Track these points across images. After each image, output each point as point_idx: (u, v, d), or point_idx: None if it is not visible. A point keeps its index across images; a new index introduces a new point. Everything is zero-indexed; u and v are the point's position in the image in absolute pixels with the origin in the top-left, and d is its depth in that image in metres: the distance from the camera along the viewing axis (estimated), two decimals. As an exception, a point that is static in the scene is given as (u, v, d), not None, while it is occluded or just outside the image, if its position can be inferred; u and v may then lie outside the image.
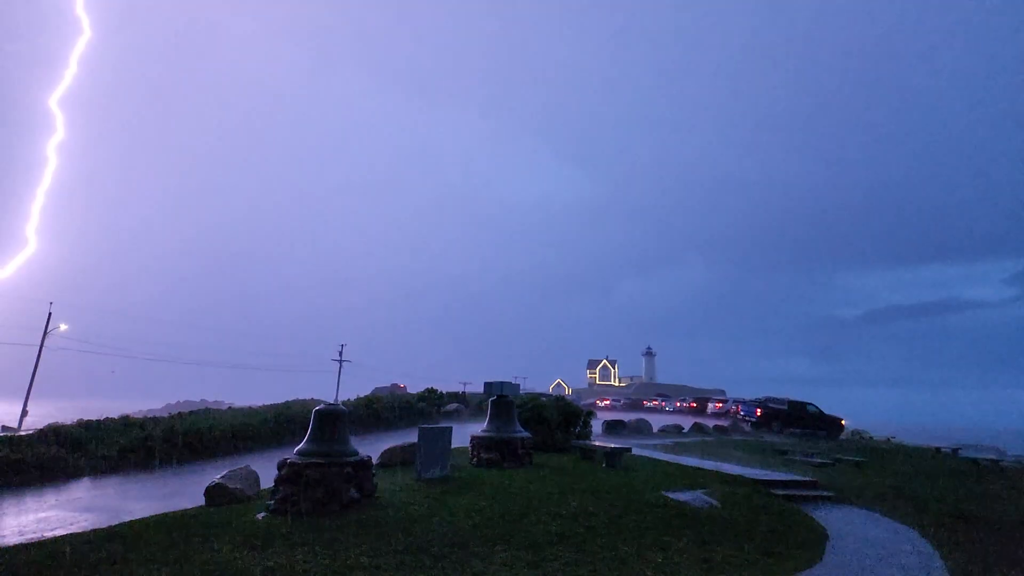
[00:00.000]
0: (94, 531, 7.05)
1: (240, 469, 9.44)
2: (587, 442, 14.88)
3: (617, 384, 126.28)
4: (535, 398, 16.91)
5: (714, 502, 9.07)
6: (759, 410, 28.24)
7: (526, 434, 12.23)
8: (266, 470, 9.55)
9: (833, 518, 9.01)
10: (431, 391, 32.01)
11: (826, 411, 27.79)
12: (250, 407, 22.67)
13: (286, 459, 7.85)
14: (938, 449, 22.85)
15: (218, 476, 8.92)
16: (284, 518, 7.12)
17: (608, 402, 56.33)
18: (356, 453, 8.16)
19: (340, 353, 61.46)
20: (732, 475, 11.58)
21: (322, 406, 8.41)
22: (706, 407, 41.01)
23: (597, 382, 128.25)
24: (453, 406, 29.33)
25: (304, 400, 24.87)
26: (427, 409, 27.15)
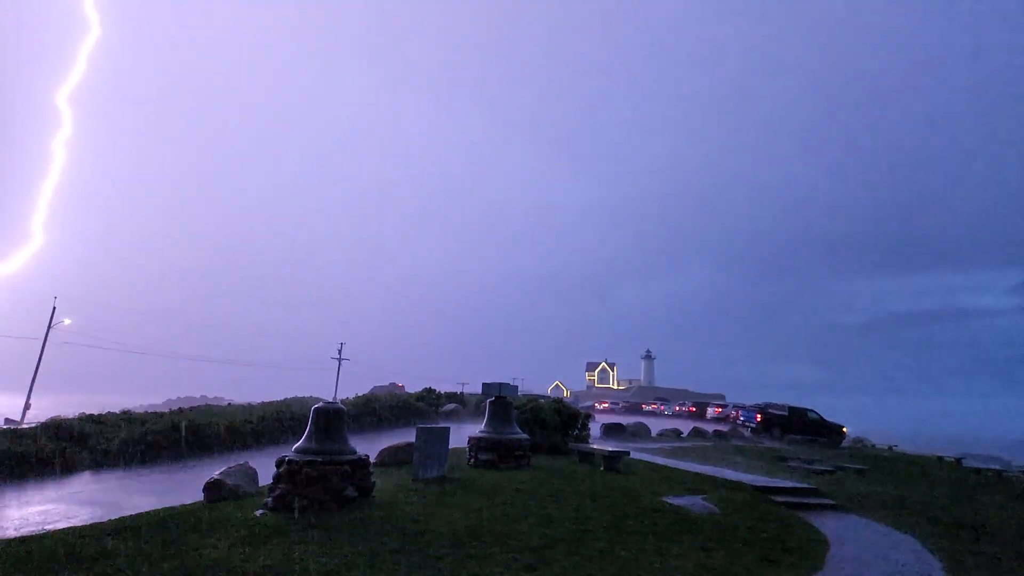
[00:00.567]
0: (94, 525, 7.06)
1: (239, 466, 9.45)
2: (585, 445, 14.87)
3: (616, 387, 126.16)
4: (533, 400, 16.92)
5: (713, 508, 9.04)
6: (759, 416, 28.19)
7: (524, 436, 12.22)
8: (265, 467, 9.55)
9: (834, 526, 8.97)
10: (429, 391, 32.02)
11: (827, 418, 27.73)
12: (249, 404, 22.70)
13: (284, 456, 7.86)
14: (941, 458, 22.78)
15: (217, 472, 8.92)
16: (282, 515, 7.12)
17: (607, 405, 56.30)
18: (354, 452, 8.16)
19: (339, 351, 61.57)
20: (732, 481, 11.55)
21: (321, 404, 8.41)
22: (705, 412, 40.94)
23: (596, 385, 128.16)
24: (451, 406, 29.32)
25: (303, 398, 24.88)
26: (425, 409, 27.15)
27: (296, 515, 7.10)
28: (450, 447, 10.96)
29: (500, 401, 12.43)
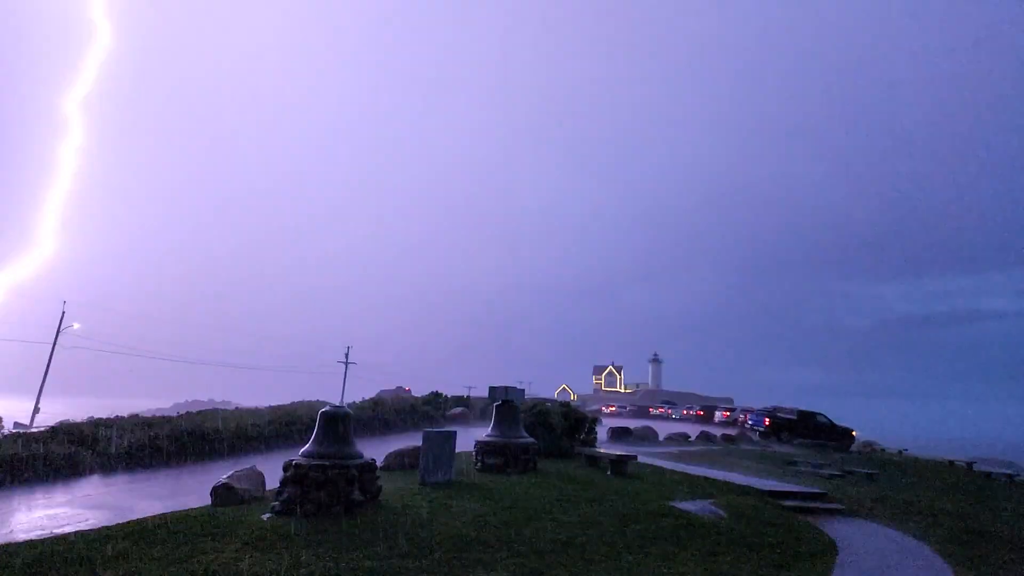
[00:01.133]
0: (103, 529, 7.09)
1: (246, 470, 9.47)
2: (592, 449, 14.82)
3: (623, 391, 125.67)
4: (540, 403, 16.86)
5: (721, 512, 8.98)
6: (767, 419, 28.00)
7: (531, 440, 12.18)
8: (272, 471, 9.58)
9: (843, 531, 8.90)
10: (436, 395, 32.00)
11: (836, 422, 27.51)
12: (256, 408, 22.74)
13: (291, 460, 7.87)
14: (951, 463, 22.59)
15: (224, 476, 8.94)
16: (289, 519, 7.12)
17: (614, 409, 56.03)
18: (361, 456, 8.16)
19: (346, 355, 61.64)
20: (740, 485, 11.48)
21: (328, 408, 8.42)
22: (713, 415, 40.73)
23: (603, 388, 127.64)
24: (458, 410, 29.26)
25: (310, 402, 24.91)
26: (432, 413, 27.12)
27: (303, 519, 7.10)
28: (457, 451, 10.95)
29: (507, 405, 12.41)
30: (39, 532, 7.38)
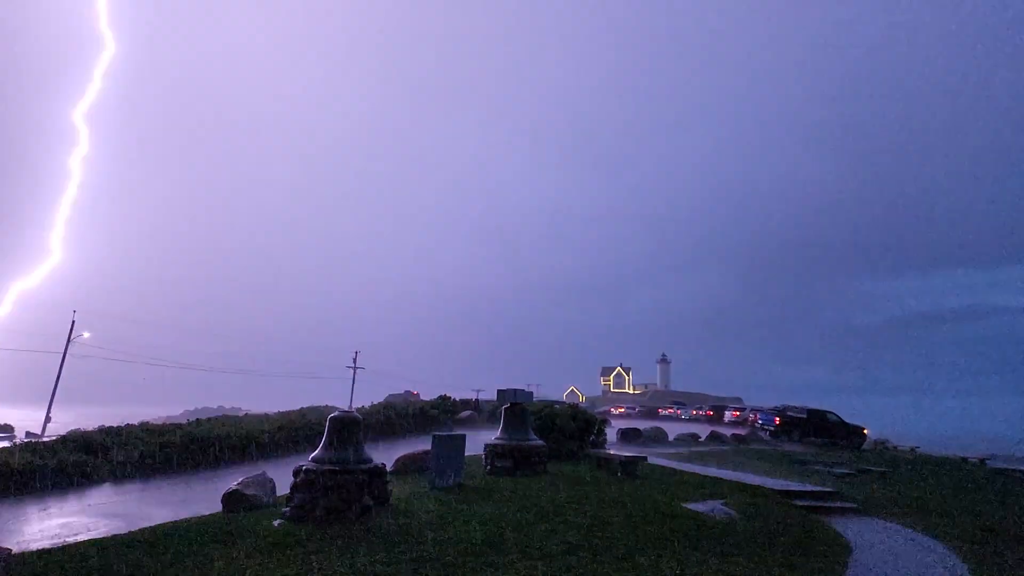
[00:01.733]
0: (115, 536, 7.13)
1: (256, 476, 9.51)
2: (602, 451, 14.78)
3: (631, 392, 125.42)
4: (549, 406, 16.84)
5: (733, 513, 8.93)
6: (778, 419, 27.85)
7: (540, 442, 12.16)
8: (282, 477, 9.61)
9: (856, 530, 8.82)
10: (444, 398, 32.05)
11: (847, 420, 27.32)
12: (266, 414, 22.88)
13: (301, 466, 7.88)
14: (965, 460, 22.39)
15: (235, 483, 8.98)
16: (300, 525, 7.14)
17: (623, 410, 55.91)
18: (370, 460, 8.17)
19: (354, 360, 61.77)
20: (751, 485, 11.41)
21: (337, 413, 8.43)
22: (723, 415, 40.57)
23: (611, 390, 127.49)
24: (466, 414, 29.32)
25: (319, 407, 25.06)
26: (440, 416, 27.16)
27: (314, 525, 7.11)
28: (466, 454, 10.94)
29: (515, 408, 12.39)
30: (52, 541, 7.43)
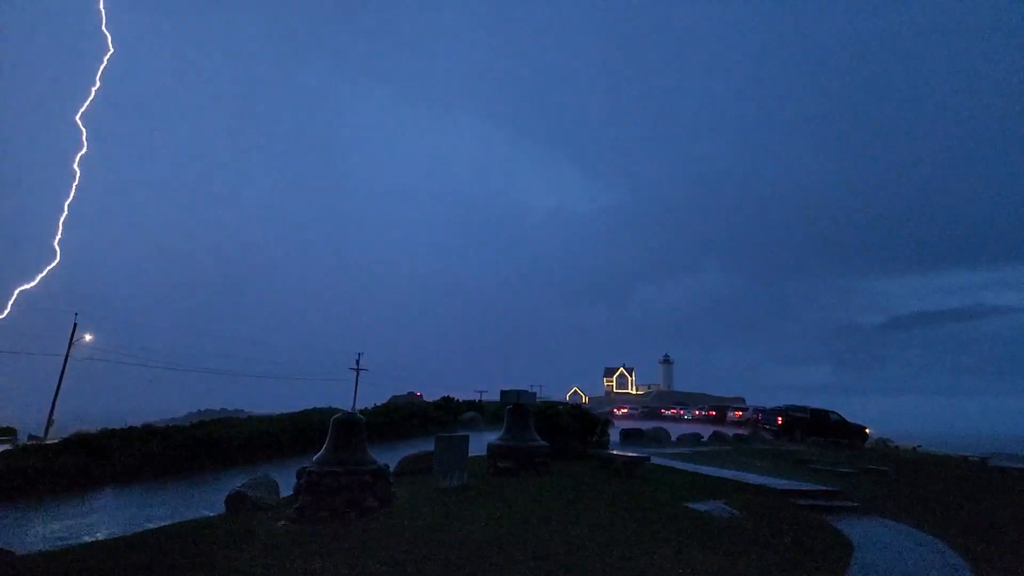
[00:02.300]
0: (118, 539, 7.16)
1: (260, 478, 9.54)
2: (605, 451, 14.78)
3: (634, 392, 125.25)
4: (552, 407, 16.84)
5: (735, 512, 8.93)
6: (780, 418, 27.82)
7: (543, 443, 12.17)
8: (285, 478, 9.63)
9: (858, 529, 8.82)
10: (447, 400, 32.09)
11: (849, 419, 27.27)
12: (269, 416, 22.87)
13: (305, 468, 7.90)
14: (966, 458, 22.32)
15: (238, 484, 9.01)
16: (304, 526, 7.16)
17: (625, 411, 55.84)
18: (374, 462, 8.19)
19: (357, 362, 61.78)
20: (753, 485, 11.41)
21: (340, 415, 8.46)
22: (725, 416, 40.52)
23: (614, 390, 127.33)
24: (470, 415, 29.33)
25: (322, 409, 25.02)
26: (444, 418, 27.19)
27: (318, 526, 7.13)
28: (470, 455, 10.97)
29: (519, 408, 12.40)
30: (55, 543, 7.45)
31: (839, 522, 9.21)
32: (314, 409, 24.51)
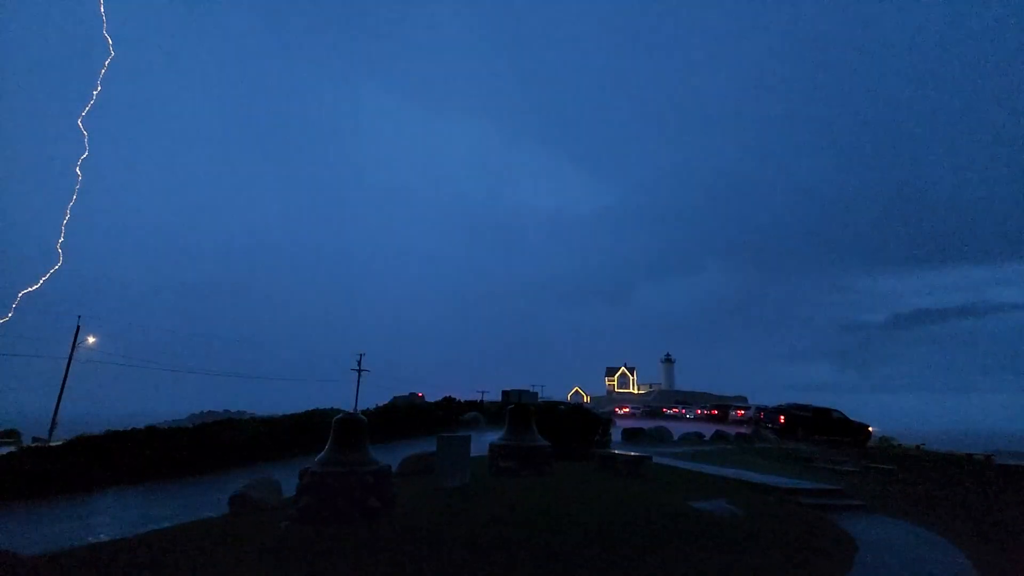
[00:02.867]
0: (121, 540, 7.17)
1: (262, 478, 9.55)
2: (607, 450, 14.76)
3: (636, 392, 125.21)
4: (553, 406, 16.85)
5: (738, 511, 8.92)
6: (782, 417, 27.79)
7: (545, 443, 12.17)
8: (288, 479, 9.64)
9: (862, 527, 8.80)
10: (449, 400, 32.10)
11: (852, 418, 27.24)
12: (271, 417, 22.87)
13: (307, 468, 7.91)
14: (970, 456, 22.28)
15: (241, 485, 9.03)
16: (306, 527, 7.17)
17: (627, 410, 55.77)
18: (376, 462, 8.19)
19: (359, 363, 61.82)
20: (756, 483, 11.40)
21: (342, 416, 8.46)
22: (727, 415, 40.49)
23: (616, 390, 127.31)
24: (471, 415, 29.34)
25: (324, 409, 25.02)
26: (445, 418, 27.19)
27: (321, 527, 7.14)
28: (471, 455, 10.96)
29: (520, 408, 12.41)
30: (59, 545, 7.46)
31: (842, 521, 9.19)
32: (316, 410, 24.51)
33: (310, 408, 25.64)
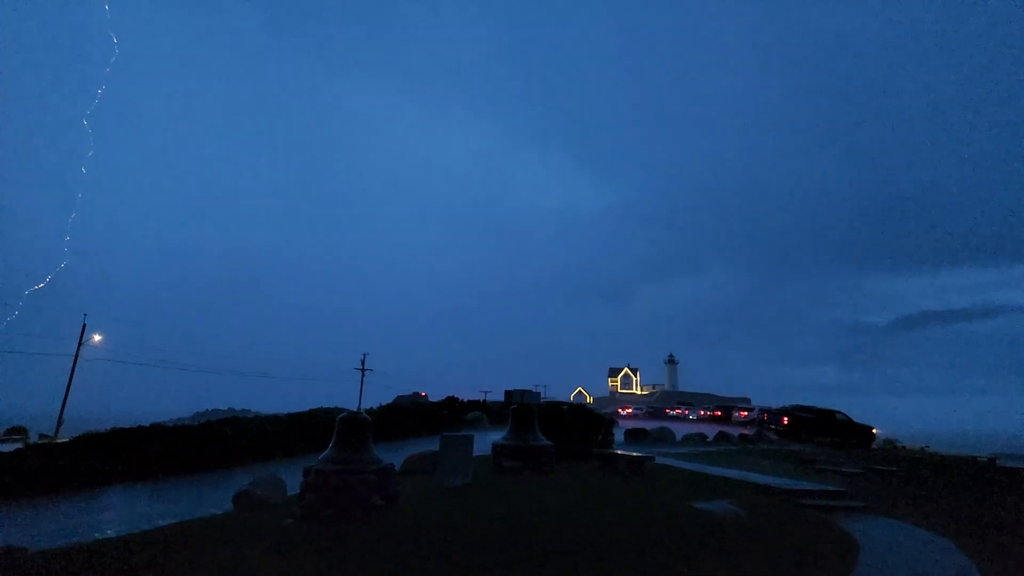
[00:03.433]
0: (127, 536, 7.23)
1: (267, 476, 9.61)
2: (609, 451, 14.78)
3: (639, 392, 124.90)
4: (556, 407, 16.87)
5: (741, 512, 8.93)
6: (786, 419, 27.71)
7: (547, 442, 12.19)
8: (292, 477, 9.69)
9: (865, 529, 8.79)
10: (452, 399, 32.11)
11: (856, 420, 27.15)
12: (276, 415, 22.99)
13: (311, 467, 7.96)
14: (974, 458, 22.20)
15: (246, 483, 9.09)
16: (310, 524, 7.22)
17: (630, 411, 55.71)
18: (379, 461, 8.24)
19: (362, 362, 61.94)
20: (759, 485, 11.40)
21: (346, 414, 8.51)
22: (731, 416, 40.43)
23: (619, 390, 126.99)
24: (474, 414, 29.34)
25: (328, 408, 25.10)
26: (449, 417, 27.22)
27: (324, 524, 7.18)
28: (474, 455, 11.00)
29: (523, 408, 12.43)
30: (66, 541, 7.53)
31: (845, 522, 9.18)
32: (320, 409, 24.62)
33: (314, 407, 25.75)
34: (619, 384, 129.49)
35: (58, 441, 18.16)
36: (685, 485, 11.22)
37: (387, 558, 5.96)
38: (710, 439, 24.61)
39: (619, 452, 14.15)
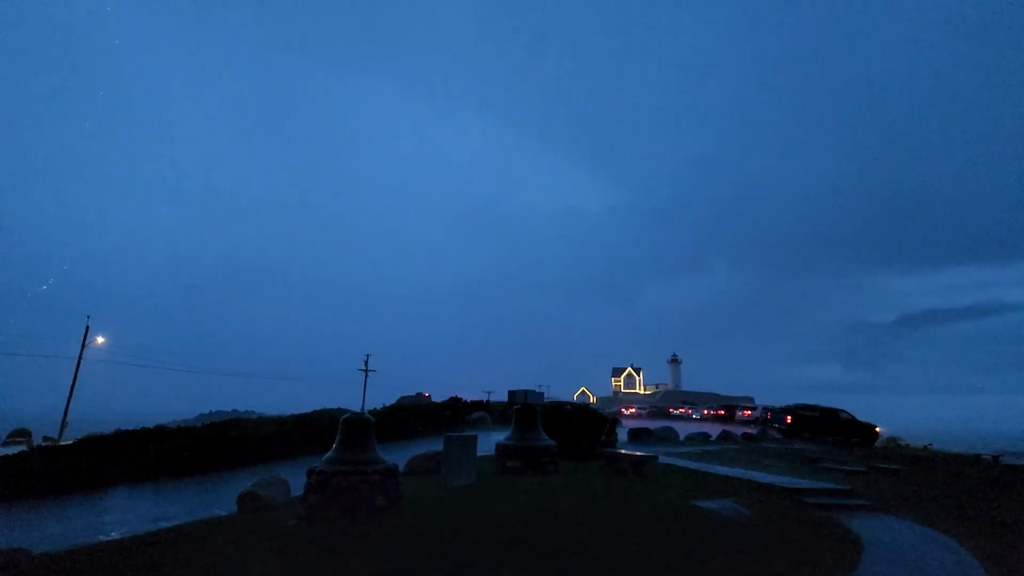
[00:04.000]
0: (131, 538, 7.25)
1: (271, 477, 9.61)
2: (613, 450, 14.76)
3: (642, 392, 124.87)
4: (559, 406, 16.85)
5: (745, 511, 8.92)
6: (789, 417, 27.67)
7: (551, 443, 12.18)
8: (296, 478, 9.71)
9: (868, 527, 8.78)
10: (455, 400, 32.14)
11: (859, 418, 27.10)
12: (279, 416, 23.02)
13: (315, 467, 7.97)
14: (978, 456, 22.14)
15: (249, 484, 9.10)
16: (314, 525, 7.23)
17: (633, 410, 55.68)
18: (383, 461, 8.25)
19: (366, 363, 62.01)
20: (763, 483, 11.38)
21: (349, 415, 8.52)
22: (734, 415, 40.33)
23: (622, 390, 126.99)
24: (478, 415, 29.34)
25: (331, 409, 25.14)
26: (452, 418, 27.23)
27: (328, 525, 7.20)
28: (478, 455, 11.00)
29: (526, 408, 12.42)
30: (71, 542, 7.56)
31: (849, 521, 9.17)
32: (324, 410, 24.64)
33: (317, 408, 25.78)
34: (623, 384, 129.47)
35: (62, 443, 18.21)
36: (689, 484, 11.21)
37: (391, 558, 5.97)
38: (713, 438, 24.58)
39: (622, 452, 14.13)
